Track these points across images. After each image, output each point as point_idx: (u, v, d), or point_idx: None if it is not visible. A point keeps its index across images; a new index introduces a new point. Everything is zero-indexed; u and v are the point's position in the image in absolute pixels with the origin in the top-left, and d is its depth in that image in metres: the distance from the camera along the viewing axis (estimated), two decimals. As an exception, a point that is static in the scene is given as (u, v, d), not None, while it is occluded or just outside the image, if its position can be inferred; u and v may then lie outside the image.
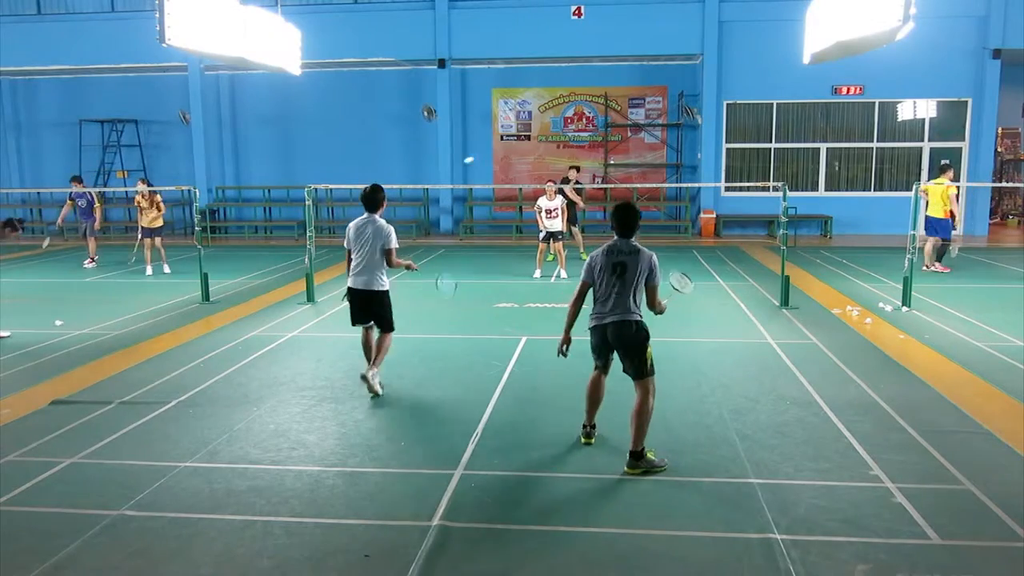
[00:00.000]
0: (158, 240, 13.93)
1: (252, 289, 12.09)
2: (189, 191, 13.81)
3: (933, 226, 13.22)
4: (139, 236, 14.01)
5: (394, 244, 6.47)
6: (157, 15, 8.17)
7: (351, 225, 6.56)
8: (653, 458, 4.94)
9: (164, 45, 8.39)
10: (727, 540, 4.05)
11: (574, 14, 19.14)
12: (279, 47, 10.95)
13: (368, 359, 6.57)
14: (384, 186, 6.63)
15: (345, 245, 6.62)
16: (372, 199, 6.48)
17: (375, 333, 6.66)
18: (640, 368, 4.99)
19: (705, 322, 9.47)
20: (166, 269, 13.92)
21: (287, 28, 11.20)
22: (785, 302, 10.16)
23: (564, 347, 5.23)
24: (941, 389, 6.55)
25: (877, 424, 5.73)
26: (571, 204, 14.34)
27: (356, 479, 4.91)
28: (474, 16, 19.55)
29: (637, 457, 4.88)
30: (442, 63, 19.77)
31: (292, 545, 4.05)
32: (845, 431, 5.57)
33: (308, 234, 11.43)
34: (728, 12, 18.91)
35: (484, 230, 20.72)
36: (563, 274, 12.72)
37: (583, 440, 5.38)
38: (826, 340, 8.31)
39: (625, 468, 4.88)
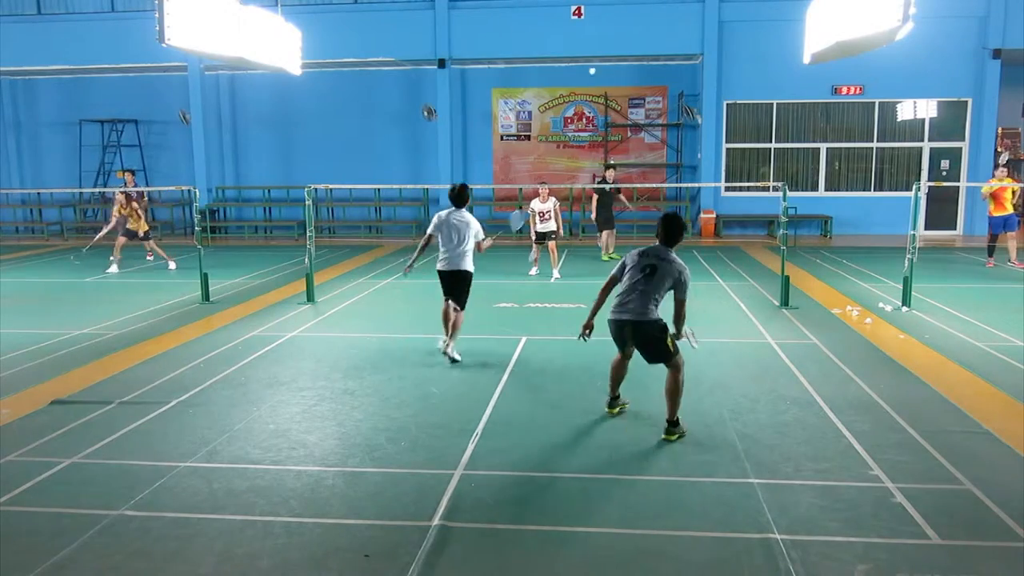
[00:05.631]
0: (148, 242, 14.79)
1: (252, 289, 12.09)
2: (189, 191, 13.81)
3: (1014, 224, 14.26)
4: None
5: (482, 235, 7.84)
6: (157, 15, 8.16)
7: (440, 214, 7.72)
8: (683, 425, 5.51)
9: (164, 45, 8.38)
10: (727, 540, 4.05)
11: (574, 14, 19.12)
12: (279, 47, 10.94)
13: (446, 329, 7.57)
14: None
15: (430, 230, 7.69)
16: (461, 196, 7.70)
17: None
18: (661, 357, 5.48)
19: (705, 322, 9.45)
20: (148, 257, 14.88)
21: (287, 28, 11.19)
22: (785, 302, 10.16)
23: (586, 332, 5.69)
24: (941, 389, 6.55)
25: (877, 424, 5.73)
26: (602, 205, 14.47)
27: (356, 479, 4.91)
28: (474, 16, 19.54)
29: (674, 424, 5.46)
30: (442, 63, 19.75)
31: (292, 545, 4.05)
32: (845, 431, 5.57)
33: (308, 234, 11.42)
34: (728, 12, 18.90)
35: (484, 230, 20.66)
36: (556, 274, 12.71)
37: (608, 411, 5.93)
38: (826, 340, 8.31)
39: (664, 435, 5.43)
